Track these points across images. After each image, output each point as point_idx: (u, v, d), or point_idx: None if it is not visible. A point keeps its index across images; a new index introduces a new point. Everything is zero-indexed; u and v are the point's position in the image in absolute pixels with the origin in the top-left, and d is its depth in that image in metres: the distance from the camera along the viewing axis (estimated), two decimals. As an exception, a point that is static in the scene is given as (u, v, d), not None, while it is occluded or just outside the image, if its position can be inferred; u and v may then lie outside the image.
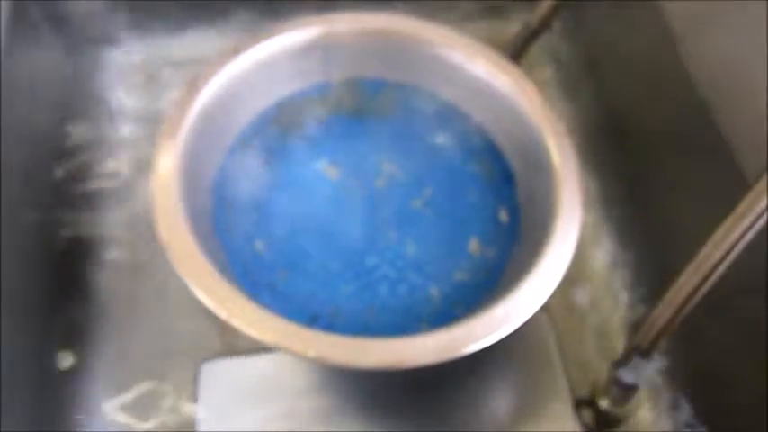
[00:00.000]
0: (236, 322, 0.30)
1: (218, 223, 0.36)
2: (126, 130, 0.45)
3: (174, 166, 0.34)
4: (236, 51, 0.38)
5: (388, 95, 0.40)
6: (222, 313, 0.30)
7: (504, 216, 0.37)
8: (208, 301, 0.30)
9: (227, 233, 0.36)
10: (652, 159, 0.42)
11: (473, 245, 0.37)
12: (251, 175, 0.38)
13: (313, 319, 0.34)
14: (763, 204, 0.26)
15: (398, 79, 0.40)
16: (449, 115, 0.40)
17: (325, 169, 0.39)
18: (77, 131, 0.45)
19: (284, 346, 0.30)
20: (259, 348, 0.37)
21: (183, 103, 0.36)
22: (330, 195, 0.38)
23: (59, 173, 0.43)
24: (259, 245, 0.36)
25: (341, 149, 0.39)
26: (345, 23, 0.39)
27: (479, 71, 0.38)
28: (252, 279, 0.34)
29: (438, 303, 0.35)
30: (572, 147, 0.36)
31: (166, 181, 0.33)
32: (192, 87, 0.36)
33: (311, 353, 0.30)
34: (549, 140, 0.36)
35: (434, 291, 0.35)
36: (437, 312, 0.34)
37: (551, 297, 0.32)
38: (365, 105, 0.40)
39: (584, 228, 0.41)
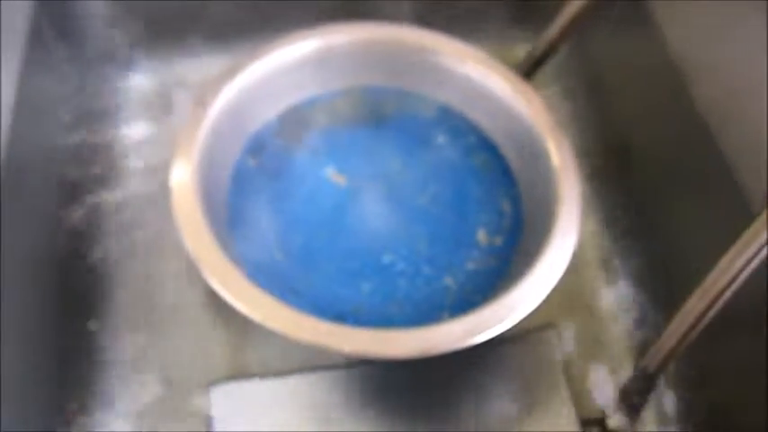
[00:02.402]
0: (271, 324, 0.31)
1: (237, 234, 0.37)
2: (139, 151, 0.46)
3: (191, 181, 0.35)
4: (237, 67, 0.39)
5: (386, 102, 0.42)
6: (257, 316, 0.31)
7: (506, 206, 0.40)
8: (242, 307, 0.32)
9: (247, 244, 0.37)
10: (657, 186, 0.43)
11: (481, 235, 0.39)
12: (262, 187, 0.39)
13: (340, 318, 0.35)
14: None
15: (395, 85, 0.42)
16: (446, 117, 0.42)
17: (332, 176, 0.40)
18: (90, 152, 0.46)
19: (320, 343, 0.31)
20: (267, 372, 0.38)
21: (194, 121, 0.37)
22: (340, 200, 0.39)
23: (71, 194, 0.43)
24: (278, 253, 0.37)
25: (345, 156, 0.41)
26: (341, 35, 0.41)
27: (472, 73, 0.40)
28: (276, 286, 0.35)
29: (456, 292, 0.36)
30: (565, 136, 0.38)
31: (186, 196, 0.35)
32: (201, 104, 0.37)
33: (347, 348, 0.31)
34: (544, 134, 0.38)
35: (450, 281, 0.37)
36: (457, 301, 0.36)
37: (557, 286, 0.33)
38: (365, 112, 0.42)
39: (591, 254, 0.44)
